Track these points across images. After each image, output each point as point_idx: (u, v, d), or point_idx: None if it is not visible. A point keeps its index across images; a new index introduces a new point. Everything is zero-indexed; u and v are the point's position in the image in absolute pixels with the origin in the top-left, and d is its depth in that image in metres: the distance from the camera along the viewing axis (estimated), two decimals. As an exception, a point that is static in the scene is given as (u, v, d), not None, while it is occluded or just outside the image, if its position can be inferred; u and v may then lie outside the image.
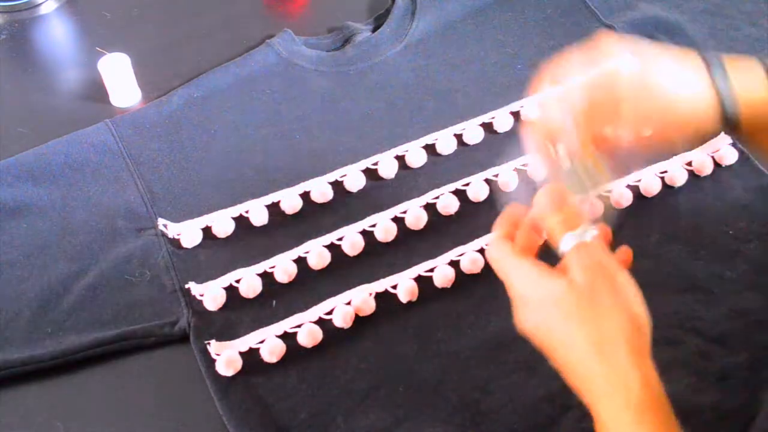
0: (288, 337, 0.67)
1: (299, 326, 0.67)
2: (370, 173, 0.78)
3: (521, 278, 0.51)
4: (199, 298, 0.68)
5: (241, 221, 0.74)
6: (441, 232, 0.74)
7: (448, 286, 0.70)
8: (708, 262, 0.71)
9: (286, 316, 0.68)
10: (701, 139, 0.52)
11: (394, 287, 0.70)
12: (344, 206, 0.76)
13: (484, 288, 0.70)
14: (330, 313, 0.68)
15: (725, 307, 0.68)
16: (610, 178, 0.53)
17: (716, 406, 0.62)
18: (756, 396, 0.62)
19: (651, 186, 0.76)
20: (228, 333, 0.67)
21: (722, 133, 0.78)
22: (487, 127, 0.81)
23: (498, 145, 0.80)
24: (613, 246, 0.54)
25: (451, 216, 0.75)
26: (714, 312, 0.68)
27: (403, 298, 0.69)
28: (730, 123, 0.53)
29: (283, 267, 0.70)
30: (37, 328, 0.67)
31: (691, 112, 0.52)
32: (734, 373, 0.64)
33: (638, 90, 0.52)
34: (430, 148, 0.80)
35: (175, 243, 0.72)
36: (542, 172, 0.76)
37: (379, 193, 0.77)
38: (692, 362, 0.65)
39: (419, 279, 0.70)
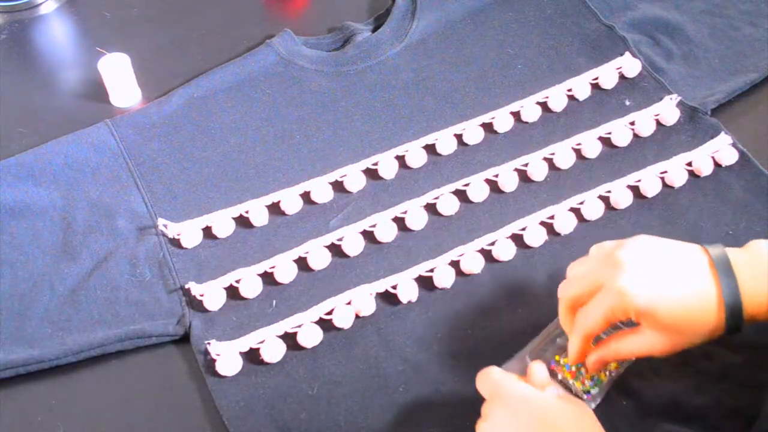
0: (288, 337, 0.67)
1: (299, 326, 0.67)
2: (370, 173, 0.78)
3: (512, 386, 0.56)
4: (199, 298, 0.68)
5: (241, 221, 0.74)
6: (441, 232, 0.74)
7: (448, 286, 0.70)
8: (708, 262, 0.71)
9: (286, 316, 0.68)
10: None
11: (394, 287, 0.70)
12: (344, 206, 0.76)
13: (484, 288, 0.70)
14: (330, 313, 0.68)
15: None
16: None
17: (717, 405, 0.62)
18: (757, 396, 0.62)
19: (651, 186, 0.75)
20: (228, 333, 0.67)
21: (722, 134, 0.79)
22: (487, 127, 0.81)
23: (498, 145, 0.80)
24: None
25: (451, 216, 0.75)
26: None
27: (403, 298, 0.69)
28: (732, 330, 0.56)
29: (283, 267, 0.70)
30: (37, 328, 0.67)
31: (696, 329, 0.56)
32: (735, 373, 0.64)
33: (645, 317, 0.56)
34: (430, 148, 0.80)
35: (175, 243, 0.72)
36: (543, 174, 0.77)
37: (379, 193, 0.77)
38: (693, 362, 0.65)
39: (419, 279, 0.70)
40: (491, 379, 0.57)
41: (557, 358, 0.63)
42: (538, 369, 0.58)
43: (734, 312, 0.55)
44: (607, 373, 0.63)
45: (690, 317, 0.55)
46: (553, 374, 0.62)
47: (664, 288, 0.55)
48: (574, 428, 0.53)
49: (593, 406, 0.61)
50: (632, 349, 0.58)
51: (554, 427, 0.53)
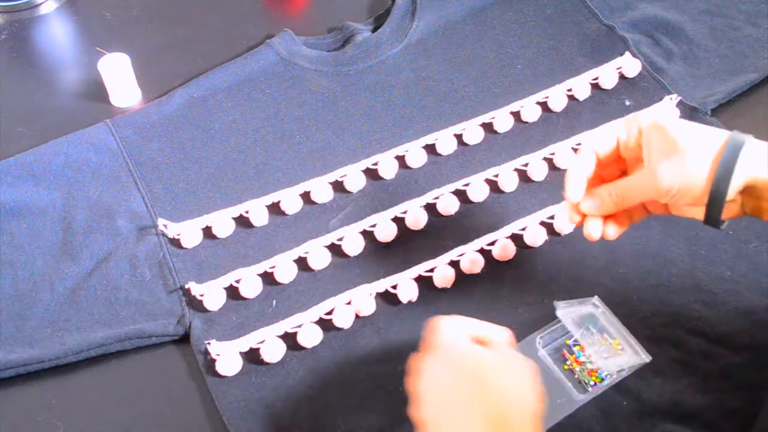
0: (288, 337, 0.67)
1: (299, 326, 0.67)
2: (370, 173, 0.78)
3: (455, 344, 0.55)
4: (199, 298, 0.68)
5: (241, 221, 0.74)
6: (441, 232, 0.74)
7: (448, 286, 0.70)
8: (708, 263, 0.71)
9: (286, 316, 0.68)
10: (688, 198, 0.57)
11: (394, 287, 0.70)
12: (344, 206, 0.76)
13: (484, 288, 0.70)
14: (330, 313, 0.68)
15: (726, 307, 0.68)
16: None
17: (718, 405, 0.62)
18: (757, 395, 0.62)
19: (651, 186, 0.75)
20: (228, 333, 0.67)
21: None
22: (487, 127, 0.81)
23: (498, 145, 0.80)
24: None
25: (451, 216, 0.75)
26: (715, 312, 0.68)
27: (403, 298, 0.69)
28: (714, 206, 0.56)
29: (283, 267, 0.70)
30: (37, 328, 0.67)
31: (688, 168, 0.55)
32: (735, 372, 0.64)
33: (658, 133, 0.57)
34: (430, 148, 0.80)
35: (175, 243, 0.72)
36: (543, 174, 0.77)
37: (379, 193, 0.77)
38: (694, 362, 0.65)
39: (419, 279, 0.70)
40: (437, 329, 0.56)
41: (567, 342, 0.65)
42: (497, 330, 0.57)
43: (727, 167, 0.54)
44: (615, 371, 0.63)
45: (688, 150, 0.55)
46: (563, 359, 0.64)
47: (680, 124, 0.57)
48: (506, 385, 0.52)
49: (590, 397, 0.63)
50: (627, 184, 0.58)
51: (485, 382, 0.52)
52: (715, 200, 0.55)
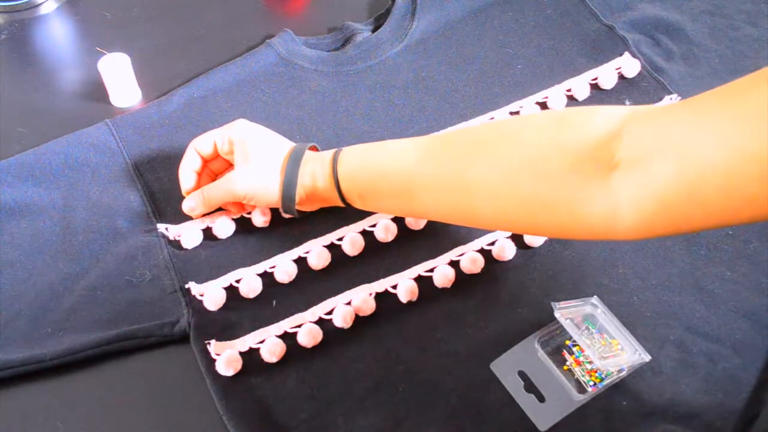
0: (288, 337, 0.67)
1: (299, 326, 0.67)
2: (370, 173, 0.78)
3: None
4: (199, 298, 0.68)
5: (241, 221, 0.74)
6: (440, 232, 0.74)
7: (448, 286, 0.70)
8: (709, 263, 0.71)
9: (286, 316, 0.68)
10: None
11: (394, 287, 0.70)
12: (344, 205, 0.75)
13: (484, 288, 0.70)
14: (330, 313, 0.68)
15: (726, 307, 0.69)
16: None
17: (717, 405, 0.62)
18: (757, 396, 0.62)
19: (651, 186, 0.75)
20: (228, 333, 0.67)
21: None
22: (487, 127, 0.81)
23: (498, 145, 0.80)
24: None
25: (451, 216, 0.75)
26: (715, 312, 0.68)
27: (403, 298, 0.69)
28: (287, 209, 0.69)
29: (283, 267, 0.70)
30: (37, 328, 0.67)
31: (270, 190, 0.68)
32: (736, 373, 0.64)
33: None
34: (430, 148, 0.79)
35: (176, 244, 0.72)
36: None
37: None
38: (694, 362, 0.65)
39: (419, 279, 0.70)
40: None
41: (566, 342, 0.65)
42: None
43: (291, 177, 0.67)
44: (615, 371, 0.64)
45: (258, 161, 0.68)
46: (562, 359, 0.64)
47: (258, 137, 0.70)
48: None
49: (590, 397, 0.63)
50: (213, 186, 0.70)
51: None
52: (287, 204, 0.68)
